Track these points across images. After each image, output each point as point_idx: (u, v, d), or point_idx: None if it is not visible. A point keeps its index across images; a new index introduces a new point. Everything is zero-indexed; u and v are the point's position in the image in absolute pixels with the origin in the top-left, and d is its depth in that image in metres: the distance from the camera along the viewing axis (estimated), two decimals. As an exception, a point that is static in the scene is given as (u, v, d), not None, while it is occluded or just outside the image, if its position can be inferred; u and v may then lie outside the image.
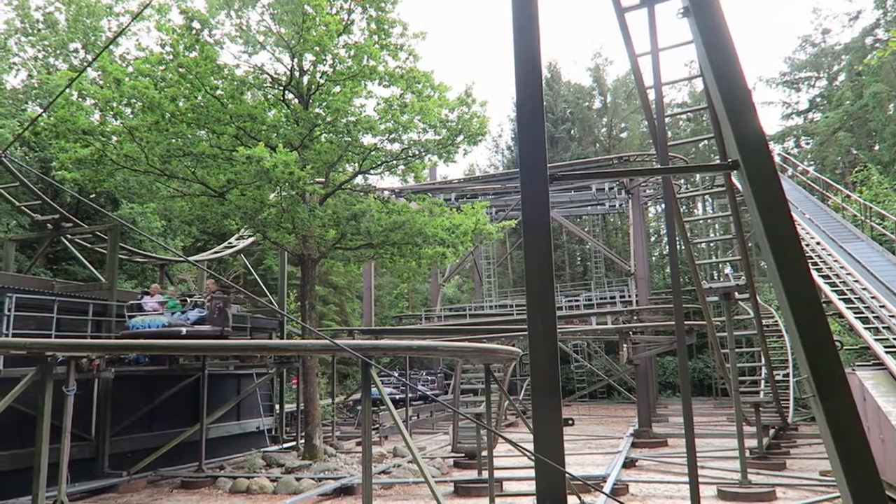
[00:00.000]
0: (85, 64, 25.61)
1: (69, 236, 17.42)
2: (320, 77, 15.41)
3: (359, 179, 17.41)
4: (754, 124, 4.55)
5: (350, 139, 15.22)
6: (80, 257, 18.37)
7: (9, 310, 11.68)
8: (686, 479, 7.22)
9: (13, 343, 8.87)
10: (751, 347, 20.75)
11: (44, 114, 13.48)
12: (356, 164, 16.24)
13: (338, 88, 15.16)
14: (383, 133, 15.33)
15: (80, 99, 15.24)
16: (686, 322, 16.78)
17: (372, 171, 16.67)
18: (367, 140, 15.68)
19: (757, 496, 11.02)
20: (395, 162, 16.11)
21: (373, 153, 15.65)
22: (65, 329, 13.02)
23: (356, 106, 15.41)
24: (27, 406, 10.86)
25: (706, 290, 12.95)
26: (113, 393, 14.12)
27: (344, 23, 14.73)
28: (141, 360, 15.25)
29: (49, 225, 16.80)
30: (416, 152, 15.88)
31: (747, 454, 12.50)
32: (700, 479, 7.09)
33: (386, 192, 22.56)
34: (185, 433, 15.19)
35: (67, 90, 13.16)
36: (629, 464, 14.76)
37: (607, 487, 11.49)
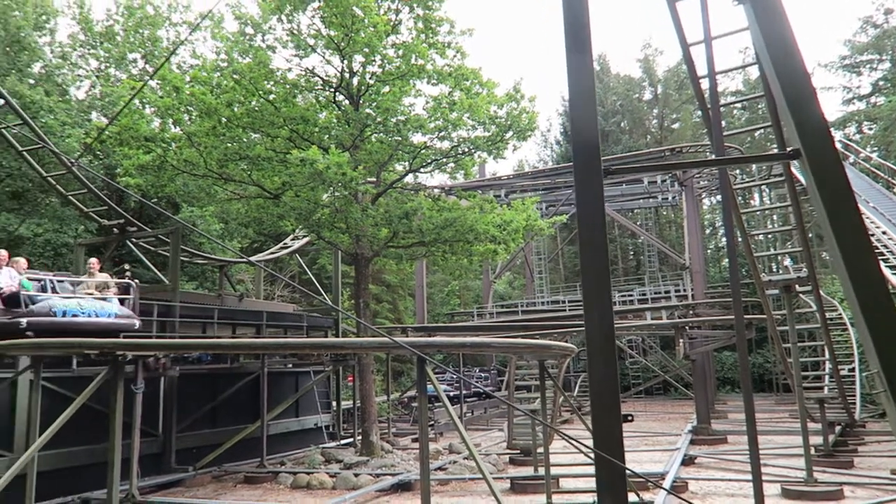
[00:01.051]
0: (144, 73, 26.60)
1: (134, 240, 18.12)
2: (370, 78, 15.62)
3: (409, 178, 17.57)
4: (815, 111, 4.43)
5: (400, 138, 15.38)
6: (145, 260, 19.10)
7: (81, 311, 12.24)
8: (748, 476, 7.06)
9: (87, 343, 9.31)
10: (814, 341, 20.10)
11: (110, 124, 14.07)
12: (407, 163, 16.39)
13: (387, 88, 15.33)
14: (433, 131, 15.43)
15: (141, 108, 15.85)
16: (745, 316, 16.36)
17: (422, 170, 16.81)
18: (417, 139, 15.82)
19: (823, 495, 10.69)
20: (444, 160, 16.21)
21: (423, 151, 15.78)
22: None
23: (405, 105, 15.56)
24: (99, 403, 11.37)
25: (766, 283, 12.59)
26: (178, 391, 14.65)
27: (392, 23, 14.89)
28: (204, 359, 15.77)
29: (115, 229, 17.51)
30: (466, 149, 15.93)
31: (812, 452, 12.11)
32: (763, 477, 6.93)
33: (436, 190, 22.70)
34: (246, 430, 15.64)
35: (129, 98, 13.70)
36: (688, 461, 14.50)
37: (666, 484, 11.32)
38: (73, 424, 8.97)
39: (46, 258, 22.61)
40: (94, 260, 12.12)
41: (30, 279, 10.79)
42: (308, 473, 13.48)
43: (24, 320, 9.85)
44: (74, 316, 10.55)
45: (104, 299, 11.20)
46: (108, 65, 28.10)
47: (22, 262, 11.16)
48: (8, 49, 24.57)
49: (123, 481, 10.38)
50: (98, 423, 11.71)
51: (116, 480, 8.98)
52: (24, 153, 16.25)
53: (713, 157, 10.40)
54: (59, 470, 11.78)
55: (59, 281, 11.15)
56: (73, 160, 14.69)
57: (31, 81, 25.19)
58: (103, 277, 11.80)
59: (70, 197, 17.34)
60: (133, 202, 23.90)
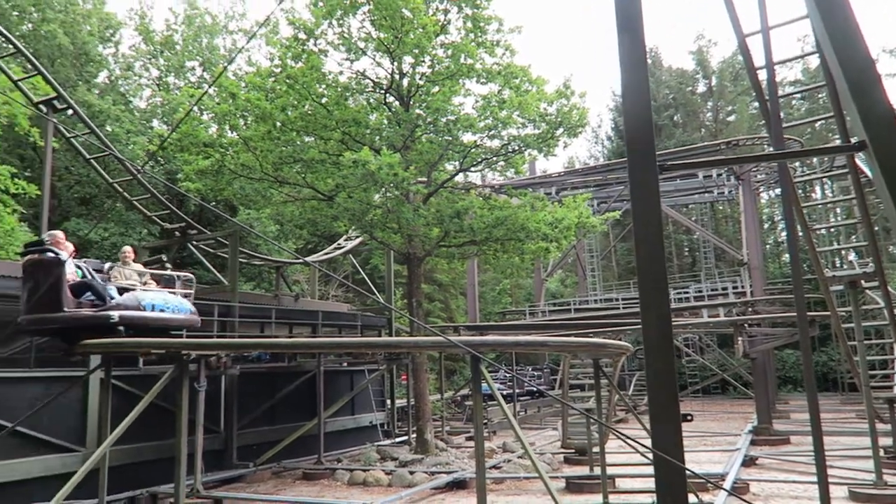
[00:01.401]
0: (201, 80, 27.45)
1: (194, 242, 18.73)
2: (419, 78, 15.74)
3: (460, 177, 17.64)
4: (881, 99, 4.27)
5: (450, 138, 15.45)
6: (205, 262, 19.71)
7: (146, 312, 12.73)
8: (813, 478, 6.85)
9: (155, 343, 9.66)
10: (881, 339, 19.28)
11: (172, 132, 14.59)
12: (457, 163, 16.46)
13: (437, 88, 15.43)
14: (482, 130, 15.45)
15: (199, 114, 16.39)
16: (808, 313, 15.80)
17: (472, 169, 16.85)
18: (467, 138, 15.86)
19: (894, 498, 10.26)
20: (494, 158, 16.21)
21: (473, 150, 15.82)
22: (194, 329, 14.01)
23: (455, 105, 15.62)
24: (164, 401, 11.80)
25: (829, 279, 12.15)
26: (238, 389, 15.08)
27: (441, 23, 14.97)
28: (262, 358, 16.17)
29: (177, 232, 18.13)
30: (516, 147, 15.89)
31: (881, 454, 11.64)
32: (828, 479, 6.71)
33: (487, 189, 22.70)
34: (304, 427, 15.98)
35: (188, 105, 14.20)
36: (749, 462, 14.12)
37: (727, 485, 11.06)
38: (140, 421, 9.34)
39: (114, 261, 23.58)
40: (128, 248, 11.33)
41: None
42: (364, 470, 13.69)
43: (115, 314, 9.33)
44: (161, 311, 10.25)
45: (173, 293, 11.14)
46: (167, 73, 29.12)
47: (70, 246, 10.03)
48: (75, 61, 25.73)
49: (188, 476, 10.75)
50: (162, 419, 12.17)
51: (182, 475, 9.30)
52: (92, 161, 16.98)
53: (771, 150, 10.09)
54: (128, 465, 12.29)
55: (96, 270, 10.12)
56: (139, 167, 15.30)
57: (97, 92, 26.33)
58: (137, 267, 11.15)
59: (134, 202, 18.04)
60: (193, 206, 24.71)
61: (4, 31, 14.76)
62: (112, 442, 8.91)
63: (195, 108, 16.44)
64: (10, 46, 14.84)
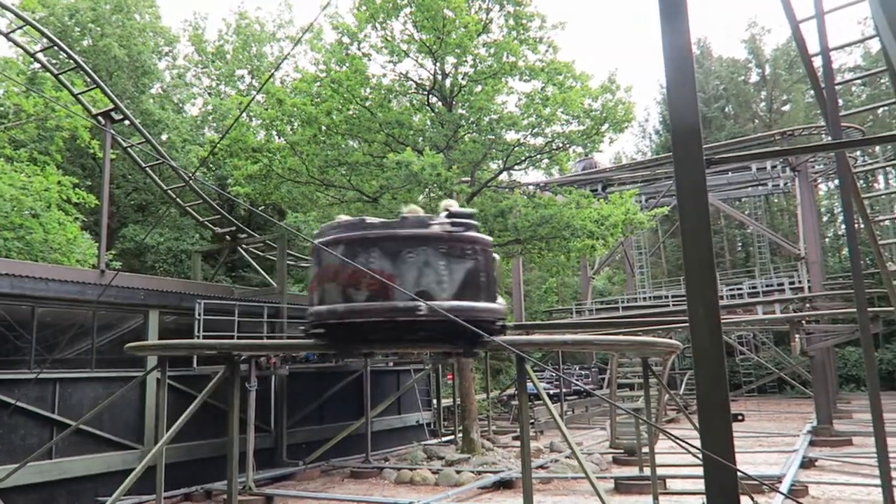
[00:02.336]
0: (250, 87, 28.05)
1: (244, 246, 19.15)
2: (462, 78, 15.74)
3: (504, 176, 17.58)
4: (945, 85, 4.06)
5: (493, 137, 15.41)
6: (254, 264, 20.12)
7: (199, 314, 13.09)
8: (876, 481, 6.56)
9: (208, 344, 9.91)
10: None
11: (222, 138, 14.95)
12: (500, 161, 16.40)
13: (479, 88, 15.40)
14: (526, 128, 15.36)
15: (248, 120, 16.75)
16: (869, 309, 15.18)
17: (516, 167, 16.76)
18: (511, 136, 15.81)
19: (967, 503, 9.75)
20: (538, 156, 16.09)
21: (516, 149, 15.74)
22: (244, 330, 14.33)
23: (498, 103, 15.59)
24: (217, 400, 12.10)
25: (893, 273, 11.63)
26: (288, 389, 15.34)
27: (483, 22, 14.94)
28: (310, 358, 16.41)
29: (227, 236, 18.56)
30: (560, 144, 15.74)
31: (952, 456, 11.08)
32: (893, 482, 6.42)
33: (531, 187, 22.55)
34: (351, 426, 16.16)
35: (237, 113, 14.54)
36: (807, 463, 13.64)
37: (784, 488, 10.71)
38: (194, 420, 9.59)
39: (168, 264, 24.33)
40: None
41: None
42: (411, 469, 13.76)
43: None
44: None
45: None
46: (218, 82, 29.88)
47: None
48: (132, 73, 26.64)
49: (240, 473, 11.00)
50: (215, 418, 12.48)
51: (235, 472, 9.51)
52: (147, 169, 17.54)
53: (829, 139, 9.72)
54: (183, 462, 12.65)
55: None
56: (190, 174, 15.72)
57: (151, 101, 27.20)
58: None
59: (187, 208, 18.54)
60: (242, 210, 25.27)
61: (65, 48, 15.35)
62: (168, 440, 9.18)
63: (244, 115, 16.83)
64: (72, 62, 15.43)
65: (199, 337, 12.81)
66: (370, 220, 7.65)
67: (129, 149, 16.89)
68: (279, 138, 16.40)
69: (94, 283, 12.19)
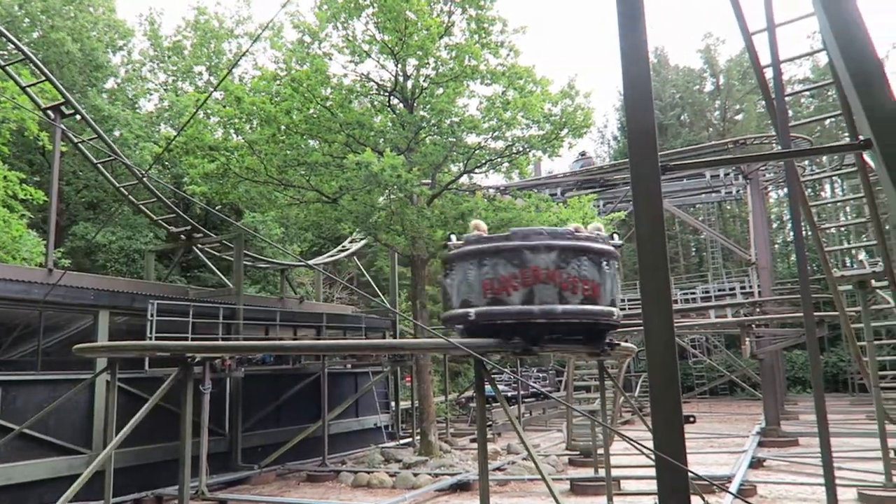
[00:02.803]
0: (208, 84, 27.53)
1: (200, 245, 18.77)
2: (424, 80, 15.73)
3: (464, 179, 17.61)
4: (887, 98, 4.21)
5: (454, 139, 15.43)
6: (210, 265, 19.75)
7: (151, 315, 12.77)
8: (821, 480, 6.77)
9: (160, 346, 9.69)
10: (892, 339, 19.10)
11: (177, 136, 14.62)
12: (461, 164, 16.43)
13: (441, 90, 15.41)
14: (487, 131, 15.42)
15: (205, 118, 16.43)
16: (816, 313, 15.68)
17: (477, 170, 16.81)
18: (471, 139, 15.84)
19: (905, 500, 10.15)
20: (499, 159, 16.17)
21: (477, 152, 15.78)
22: (199, 332, 14.04)
23: (459, 106, 15.61)
24: (170, 403, 11.82)
25: (838, 279, 12.06)
26: (243, 391, 15.09)
27: (445, 25, 14.96)
28: (267, 360, 16.19)
29: (182, 236, 18.17)
30: (521, 148, 15.85)
31: (891, 455, 11.52)
32: (837, 481, 6.64)
33: (491, 190, 22.66)
34: (308, 429, 15.98)
35: (194, 110, 14.22)
36: (756, 464, 14.03)
37: (733, 487, 10.98)
38: (145, 423, 9.35)
39: (120, 264, 23.69)
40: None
41: None
42: (368, 472, 13.68)
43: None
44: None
45: None
46: (175, 78, 29.23)
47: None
48: (84, 67, 25.86)
49: (193, 478, 10.77)
50: (169, 422, 12.19)
51: (187, 477, 9.31)
52: (99, 166, 17.05)
53: (779, 148, 10.02)
54: (133, 467, 12.32)
55: None
56: (143, 171, 15.33)
57: (104, 96, 26.44)
58: None
59: (141, 206, 18.10)
60: (198, 209, 24.77)
61: (12, 38, 14.83)
62: (117, 444, 8.93)
63: (201, 112, 16.50)
64: (20, 53, 14.91)
65: (151, 338, 12.50)
66: (541, 229, 8.40)
67: (80, 144, 16.40)
68: (237, 137, 16.12)
69: (40, 282, 11.79)
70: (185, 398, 9.37)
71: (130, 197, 17.91)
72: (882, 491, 10.46)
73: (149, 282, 17.39)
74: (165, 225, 18.58)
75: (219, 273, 20.04)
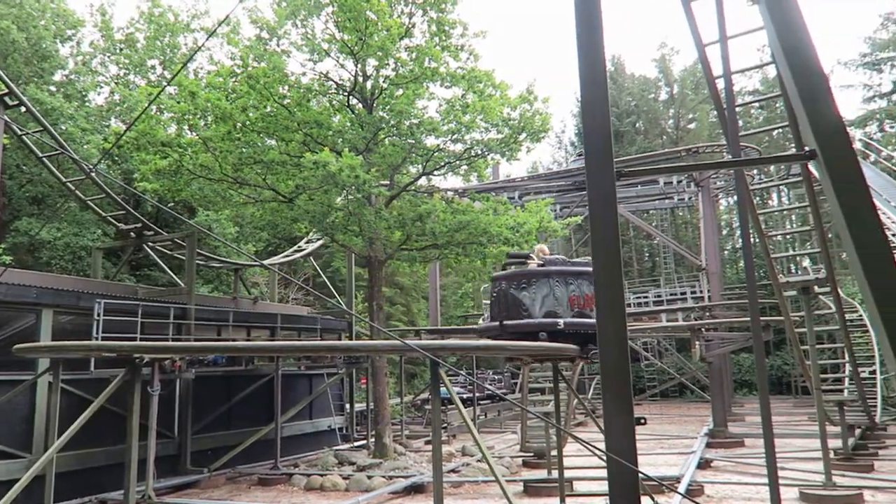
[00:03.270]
0: (162, 79, 26.89)
1: (150, 244, 18.30)
2: (383, 81, 15.67)
3: (423, 181, 17.60)
4: (831, 111, 4.36)
5: (413, 141, 15.40)
6: (161, 263, 19.27)
7: (98, 315, 12.38)
8: (765, 480, 6.98)
9: (106, 346, 9.41)
10: (833, 343, 19.83)
11: (127, 130, 14.22)
12: (420, 166, 16.41)
13: (400, 91, 15.37)
14: (446, 134, 15.44)
15: (158, 113, 16.02)
16: (762, 318, 16.16)
17: (435, 172, 16.82)
18: (430, 141, 15.84)
19: (842, 499, 10.54)
20: (458, 162, 16.21)
21: (436, 154, 15.79)
22: (148, 332, 13.68)
23: (419, 108, 15.59)
24: (116, 405, 11.48)
25: (783, 285, 12.45)
26: (193, 393, 14.76)
27: (405, 26, 14.93)
28: (219, 362, 15.88)
29: (132, 233, 17.69)
30: (479, 152, 15.92)
31: (831, 455, 11.96)
32: (780, 481, 6.84)
33: (450, 193, 22.71)
34: (261, 432, 15.72)
35: (146, 104, 13.86)
36: (704, 464, 14.37)
37: (682, 488, 11.22)
38: (90, 426, 9.05)
39: (66, 261, 22.90)
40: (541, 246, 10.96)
41: None
42: (321, 475, 13.53)
43: (561, 320, 9.22)
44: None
45: None
46: (127, 71, 28.44)
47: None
48: (30, 57, 24.94)
49: (140, 482, 10.46)
50: (115, 424, 11.83)
51: (133, 481, 9.06)
52: (44, 160, 16.46)
53: (729, 157, 10.29)
54: (76, 471, 11.91)
55: None
56: (91, 166, 14.85)
57: (52, 88, 25.54)
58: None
59: (88, 202, 17.55)
60: (150, 206, 24.15)
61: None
62: (59, 447, 8.63)
63: (153, 107, 16.08)
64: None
65: (97, 338, 12.12)
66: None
67: (24, 137, 15.81)
68: (191, 133, 15.76)
69: (-21, 279, 11.30)
70: (133, 400, 9.11)
71: (77, 192, 17.35)
72: (822, 490, 10.84)
73: (96, 280, 16.87)
74: (114, 222, 18.07)
75: (170, 272, 19.56)
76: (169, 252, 20.19)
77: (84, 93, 27.46)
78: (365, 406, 20.68)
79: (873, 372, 18.29)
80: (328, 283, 26.56)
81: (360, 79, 15.82)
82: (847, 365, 17.01)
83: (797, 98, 4.45)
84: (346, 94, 15.99)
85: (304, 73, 15.87)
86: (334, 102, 16.44)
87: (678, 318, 24.87)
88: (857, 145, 26.73)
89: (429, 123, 15.21)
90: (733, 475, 13.35)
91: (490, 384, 28.21)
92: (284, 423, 16.34)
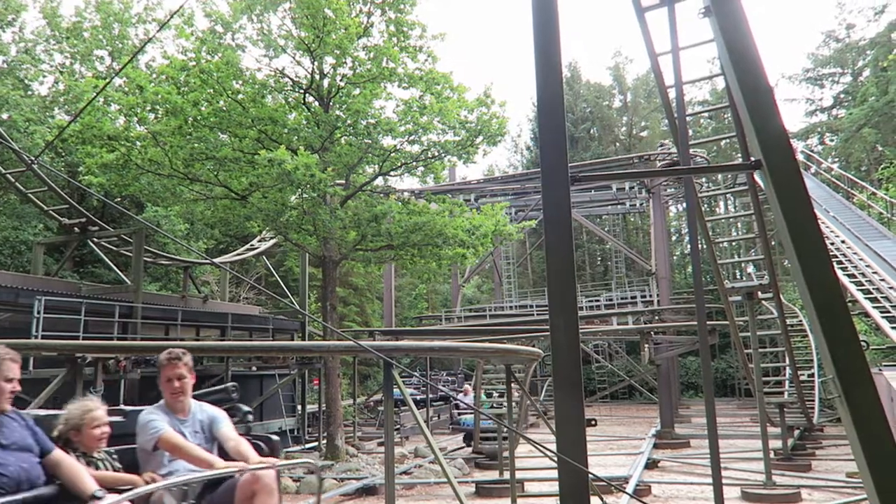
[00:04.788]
0: (110, 70, 26.08)
1: (95, 239, 17.73)
2: (340, 80, 15.54)
3: (379, 181, 17.53)
4: (776, 123, 4.51)
5: (370, 141, 15.32)
6: (107, 260, 18.69)
7: (38, 312, 11.93)
8: (709, 480, 7.18)
9: (45, 345, 9.06)
10: (775, 347, 20.51)
11: (71, 122, 13.74)
12: (376, 166, 16.34)
13: (357, 91, 15.28)
14: (403, 135, 15.41)
15: (105, 105, 15.53)
16: (708, 322, 16.61)
17: (392, 173, 16.77)
18: (387, 142, 15.79)
19: (781, 497, 10.90)
20: (414, 163, 16.19)
21: (393, 155, 15.74)
22: (92, 331, 13.25)
23: (376, 108, 15.53)
24: (57, 406, 11.07)
25: (729, 290, 12.82)
26: (139, 394, 14.34)
27: (364, 25, 14.85)
28: (166, 362, 15.46)
29: (76, 228, 17.11)
30: (436, 153, 15.94)
31: (772, 455, 12.36)
32: (724, 481, 7.03)
33: (406, 194, 22.66)
34: (209, 433, 15.38)
35: (92, 96, 13.40)
36: (651, 465, 14.67)
37: (630, 488, 11.44)
38: (27, 428, 8.70)
39: (4, 256, 22.00)
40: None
41: None
42: (272, 478, 13.29)
43: None
44: None
45: None
46: (73, 61, 27.50)
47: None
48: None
49: (80, 487, 10.10)
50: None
51: (72, 486, 8.73)
52: (-18, 149, 15.81)
53: (680, 165, 10.53)
54: (12, 475, 11.43)
55: None
56: (32, 158, 14.31)
57: (-9, 75, 24.52)
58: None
59: (29, 194, 16.91)
60: (95, 201, 23.40)
61: None
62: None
63: (100, 100, 15.59)
64: None
65: (37, 336, 11.68)
66: None
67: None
68: (140, 127, 15.34)
69: None
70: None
71: (17, 184, 16.69)
72: (763, 489, 11.19)
73: (36, 276, 16.26)
74: (57, 216, 17.46)
75: (116, 269, 18.98)
76: (115, 248, 19.61)
77: (27, 81, 26.45)
78: (317, 407, 20.45)
79: (812, 375, 18.98)
80: (281, 283, 26.19)
81: (317, 77, 15.67)
82: (788, 368, 17.62)
83: (744, 110, 4.59)
84: (302, 91, 15.81)
85: (259, 69, 15.65)
86: (290, 100, 16.23)
87: (629, 321, 25.35)
88: (800, 157, 27.74)
89: (386, 124, 15.16)
90: (679, 475, 13.67)
91: (444, 385, 28.24)
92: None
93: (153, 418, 3.97)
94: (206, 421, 4.17)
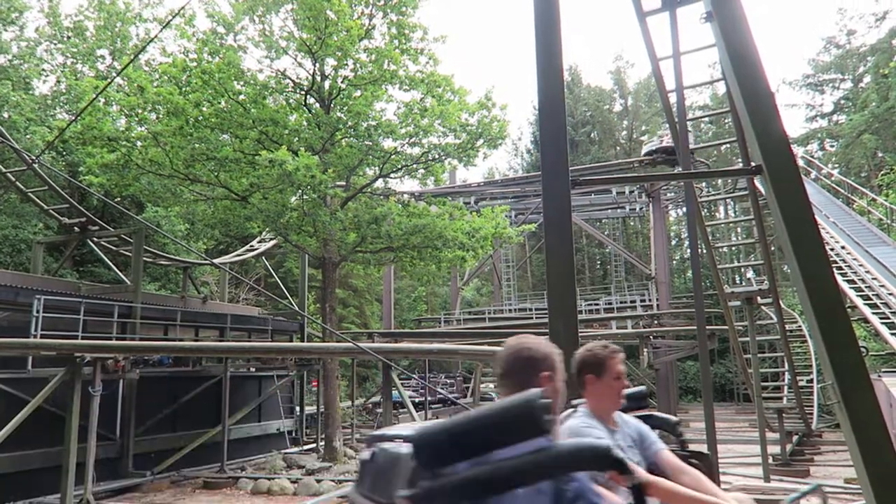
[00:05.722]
0: (111, 70, 26.10)
1: (95, 239, 17.72)
2: (341, 81, 15.56)
3: (379, 183, 17.53)
4: (777, 129, 4.52)
5: (371, 143, 15.34)
6: (106, 260, 18.68)
7: (37, 311, 11.92)
8: (708, 484, 7.19)
9: (45, 344, 9.06)
10: (774, 352, 20.52)
11: (72, 122, 13.74)
12: (377, 168, 16.35)
13: (359, 93, 15.30)
14: (403, 137, 15.43)
15: (106, 105, 15.54)
16: (708, 326, 16.62)
17: (392, 175, 16.78)
18: (388, 144, 15.81)
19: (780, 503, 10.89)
20: (415, 166, 16.21)
21: (393, 157, 15.76)
22: (91, 330, 13.24)
23: (377, 110, 15.55)
24: (55, 406, 11.07)
25: (728, 295, 12.82)
26: (138, 394, 14.34)
27: (365, 28, 14.88)
28: (165, 362, 15.48)
29: (76, 228, 17.10)
30: (436, 156, 15.96)
31: (770, 460, 12.35)
32: (722, 486, 7.04)
33: (406, 196, 22.67)
34: (207, 434, 15.37)
35: (92, 97, 13.41)
36: (650, 469, 14.63)
37: (628, 492, 11.41)
38: (27, 427, 8.70)
39: (4, 255, 21.98)
40: None
41: None
42: (269, 479, 13.31)
43: None
44: None
45: None
46: (74, 60, 27.50)
47: None
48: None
49: (78, 486, 10.11)
50: (53, 426, 11.40)
51: (71, 485, 8.75)
52: (-18, 147, 15.80)
53: (680, 170, 10.56)
54: (11, 474, 11.42)
55: None
56: (33, 157, 14.31)
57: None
58: None
59: (30, 194, 16.91)
60: (96, 201, 23.40)
61: None
62: (-9, 450, 8.26)
63: (101, 100, 15.60)
64: None
65: (36, 336, 11.65)
66: None
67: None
68: (141, 127, 15.35)
69: None
70: (72, 401, 8.79)
71: (18, 184, 16.68)
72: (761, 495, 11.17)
73: (35, 275, 16.25)
74: (57, 215, 17.45)
75: (115, 269, 18.96)
76: (115, 248, 19.60)
77: (28, 80, 26.45)
78: (315, 409, 20.43)
79: (811, 380, 18.97)
80: (280, 284, 26.16)
81: (318, 78, 15.69)
82: (786, 373, 17.61)
83: (745, 115, 4.60)
84: (303, 92, 15.83)
85: (260, 70, 15.68)
86: (291, 101, 16.25)
87: (627, 325, 25.36)
88: (800, 162, 27.76)
89: (386, 126, 15.17)
90: (677, 480, 13.63)
91: (442, 388, 28.21)
92: (232, 426, 16.02)
93: (597, 433, 2.63)
94: (633, 433, 3.07)
